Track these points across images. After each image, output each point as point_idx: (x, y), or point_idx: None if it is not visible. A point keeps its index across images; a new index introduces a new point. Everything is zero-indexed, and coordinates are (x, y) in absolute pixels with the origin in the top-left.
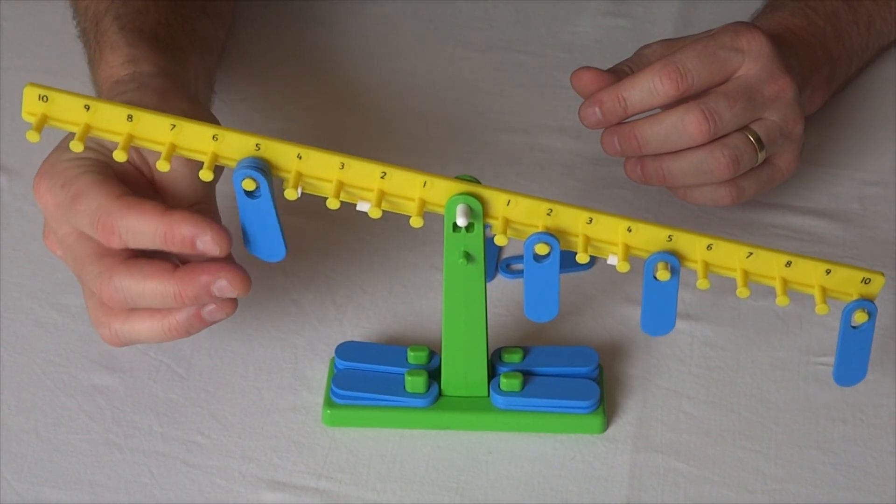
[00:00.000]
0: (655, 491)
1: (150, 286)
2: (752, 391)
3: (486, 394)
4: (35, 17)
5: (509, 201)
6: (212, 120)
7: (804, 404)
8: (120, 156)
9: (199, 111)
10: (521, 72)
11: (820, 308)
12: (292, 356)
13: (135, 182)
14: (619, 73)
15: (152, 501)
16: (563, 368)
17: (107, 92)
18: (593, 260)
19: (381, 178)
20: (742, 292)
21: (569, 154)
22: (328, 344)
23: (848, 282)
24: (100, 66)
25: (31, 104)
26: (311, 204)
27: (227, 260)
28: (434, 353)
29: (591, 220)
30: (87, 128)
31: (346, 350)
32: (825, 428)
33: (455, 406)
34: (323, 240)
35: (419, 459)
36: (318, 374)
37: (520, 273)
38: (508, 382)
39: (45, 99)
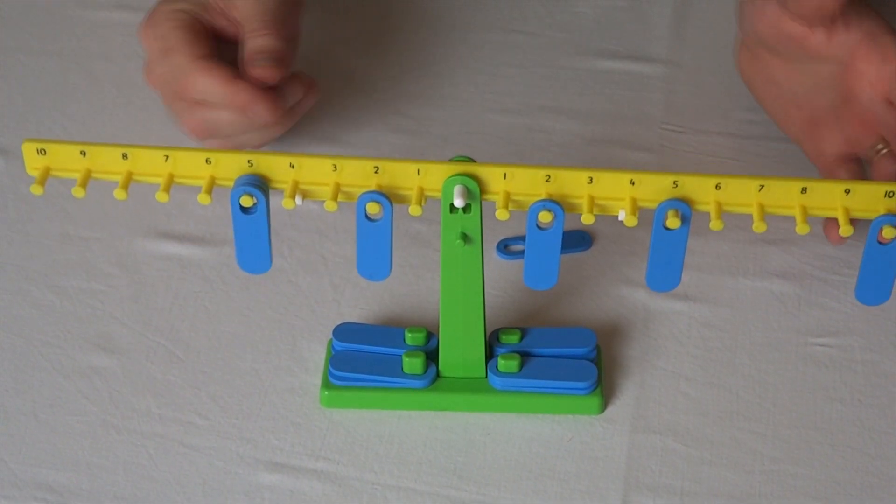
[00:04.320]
0: (653, 471)
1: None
2: (751, 372)
3: (484, 375)
4: None
5: (506, 174)
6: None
7: (802, 385)
8: (120, 194)
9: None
10: (519, 52)
11: (844, 230)
12: (290, 338)
13: (221, 30)
14: None
15: (150, 483)
16: (561, 349)
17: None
18: (590, 241)
19: (375, 173)
20: (758, 227)
21: (566, 135)
22: (326, 325)
23: (871, 198)
24: None
25: (31, 158)
26: None
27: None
28: (431, 335)
29: (591, 180)
30: (88, 173)
31: (344, 331)
32: (823, 409)
33: (452, 387)
34: (320, 221)
35: (417, 440)
36: (316, 356)
37: (518, 255)
38: (506, 363)
39: (43, 152)
